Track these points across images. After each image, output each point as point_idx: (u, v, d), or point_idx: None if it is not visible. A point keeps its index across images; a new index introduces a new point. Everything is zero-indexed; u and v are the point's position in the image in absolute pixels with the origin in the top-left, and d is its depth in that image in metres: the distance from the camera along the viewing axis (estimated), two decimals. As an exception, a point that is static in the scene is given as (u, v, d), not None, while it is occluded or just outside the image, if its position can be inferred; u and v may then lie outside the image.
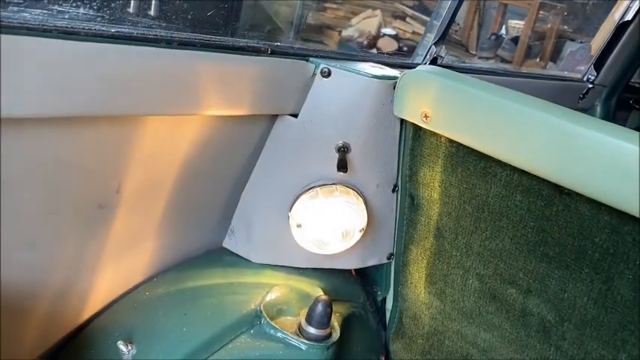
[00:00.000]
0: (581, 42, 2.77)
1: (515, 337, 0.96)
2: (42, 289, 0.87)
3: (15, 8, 0.64)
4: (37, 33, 0.63)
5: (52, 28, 0.65)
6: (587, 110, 2.00)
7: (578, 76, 1.95)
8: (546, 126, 0.75)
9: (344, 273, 1.22)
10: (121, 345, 0.89)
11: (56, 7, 0.69)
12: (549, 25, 3.56)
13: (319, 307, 0.92)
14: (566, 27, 3.46)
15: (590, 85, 1.91)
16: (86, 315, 0.99)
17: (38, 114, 0.66)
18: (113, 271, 0.97)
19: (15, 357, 0.91)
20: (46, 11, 0.68)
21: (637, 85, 2.21)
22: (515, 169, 0.84)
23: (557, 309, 0.88)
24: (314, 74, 0.94)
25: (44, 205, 0.79)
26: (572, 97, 1.90)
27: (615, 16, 1.84)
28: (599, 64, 1.89)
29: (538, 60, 3.44)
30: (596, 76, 1.89)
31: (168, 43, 0.76)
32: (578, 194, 0.76)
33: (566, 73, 2.22)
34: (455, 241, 0.99)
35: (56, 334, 0.96)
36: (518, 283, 0.92)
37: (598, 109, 2.01)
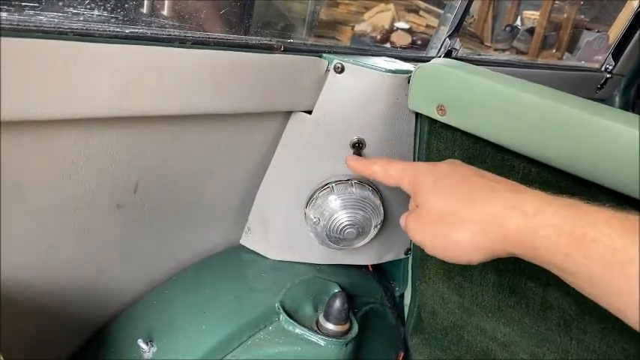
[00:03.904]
0: (598, 31, 2.72)
1: (536, 331, 0.95)
2: (63, 291, 0.89)
3: (31, 12, 0.65)
4: (52, 35, 0.64)
5: (68, 30, 0.66)
6: (606, 100, 1.97)
7: (596, 66, 1.92)
8: (563, 117, 0.74)
9: (361, 269, 1.22)
10: (141, 343, 0.90)
11: (71, 9, 0.70)
12: (565, 15, 3.50)
13: (337, 303, 0.92)
14: (582, 16, 3.40)
15: (609, 75, 1.88)
16: (107, 315, 1.00)
17: (54, 116, 0.67)
18: (132, 271, 0.98)
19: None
20: (61, 14, 0.68)
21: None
22: (532, 162, 0.83)
23: (577, 302, 0.87)
24: (327, 70, 0.93)
25: (63, 206, 0.80)
26: (590, 87, 1.87)
27: (633, 3, 1.81)
28: (617, 54, 1.86)
29: (554, 51, 3.39)
30: (614, 66, 1.86)
31: (182, 43, 0.77)
32: (595, 185, 0.75)
33: (583, 63, 2.19)
34: (472, 235, 0.98)
35: (78, 336, 0.98)
36: (538, 276, 0.91)
37: (617, 99, 1.98)
